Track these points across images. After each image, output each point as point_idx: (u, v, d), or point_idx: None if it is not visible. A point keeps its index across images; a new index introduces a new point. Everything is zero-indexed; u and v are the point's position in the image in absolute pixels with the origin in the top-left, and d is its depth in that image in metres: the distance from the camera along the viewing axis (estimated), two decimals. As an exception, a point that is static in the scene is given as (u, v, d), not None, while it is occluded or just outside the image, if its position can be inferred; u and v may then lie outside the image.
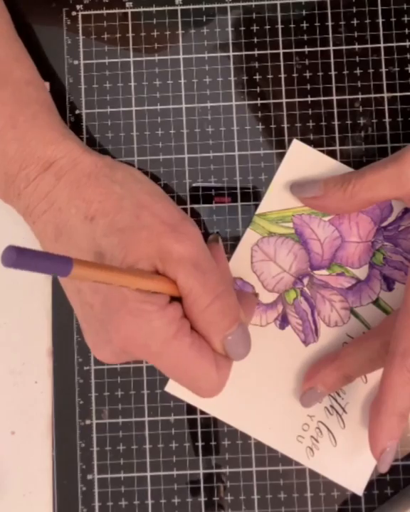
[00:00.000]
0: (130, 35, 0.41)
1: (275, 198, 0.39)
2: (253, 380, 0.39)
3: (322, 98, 0.40)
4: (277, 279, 0.39)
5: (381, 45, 0.40)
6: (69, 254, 0.32)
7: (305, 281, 0.39)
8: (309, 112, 0.40)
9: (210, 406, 0.39)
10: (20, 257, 0.23)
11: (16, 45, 0.37)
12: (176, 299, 0.32)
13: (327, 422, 0.38)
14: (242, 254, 0.39)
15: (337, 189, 0.37)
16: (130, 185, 0.33)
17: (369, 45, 0.40)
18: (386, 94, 0.40)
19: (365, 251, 0.39)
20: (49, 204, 0.34)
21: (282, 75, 0.40)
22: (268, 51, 0.41)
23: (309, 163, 0.39)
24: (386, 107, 0.40)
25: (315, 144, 0.40)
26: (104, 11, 0.41)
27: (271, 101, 0.40)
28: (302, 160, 0.39)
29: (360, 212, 0.39)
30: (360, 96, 0.40)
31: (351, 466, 0.38)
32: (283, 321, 0.39)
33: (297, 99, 0.40)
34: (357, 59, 0.40)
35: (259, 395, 0.39)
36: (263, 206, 0.39)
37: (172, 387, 0.39)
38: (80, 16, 0.41)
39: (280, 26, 0.41)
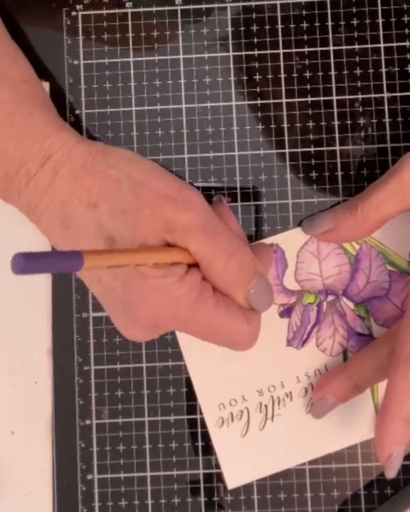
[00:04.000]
0: (130, 35, 0.41)
1: None
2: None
3: (322, 98, 0.40)
4: (309, 277, 0.39)
5: (381, 45, 0.40)
6: (79, 244, 0.34)
7: (330, 298, 0.39)
8: (309, 112, 0.40)
9: (188, 347, 0.39)
10: (29, 263, 0.23)
11: (10, 46, 0.37)
12: (194, 266, 0.33)
13: (252, 415, 0.38)
14: (301, 234, 0.39)
15: (348, 217, 0.37)
16: (125, 167, 0.34)
17: (369, 45, 0.40)
18: (386, 94, 0.40)
19: (396, 318, 0.39)
20: (50, 199, 0.34)
21: (282, 75, 0.40)
22: (268, 51, 0.41)
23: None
24: (386, 107, 0.40)
25: (315, 143, 0.40)
26: (104, 11, 0.41)
27: (271, 101, 0.40)
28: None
29: None
30: (360, 96, 0.40)
31: (243, 461, 0.38)
32: (286, 312, 0.39)
33: (297, 99, 0.40)
34: (357, 59, 0.40)
35: (224, 353, 0.38)
36: None
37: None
38: (80, 16, 0.41)
39: (280, 26, 0.41)
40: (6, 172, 0.35)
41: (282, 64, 0.40)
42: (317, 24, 0.41)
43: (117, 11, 0.41)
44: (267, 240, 0.39)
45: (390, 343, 0.35)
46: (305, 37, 0.41)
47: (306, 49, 0.40)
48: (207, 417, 0.39)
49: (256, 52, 0.41)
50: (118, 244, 0.33)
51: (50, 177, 0.34)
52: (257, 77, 0.40)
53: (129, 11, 0.41)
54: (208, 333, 0.34)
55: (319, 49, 0.40)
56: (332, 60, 0.40)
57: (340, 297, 0.39)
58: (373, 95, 0.40)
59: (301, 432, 0.38)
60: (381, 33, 0.40)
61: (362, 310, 0.39)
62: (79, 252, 0.25)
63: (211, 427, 0.38)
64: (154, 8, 0.41)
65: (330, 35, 0.41)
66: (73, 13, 0.41)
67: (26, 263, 0.23)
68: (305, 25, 0.41)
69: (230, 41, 0.41)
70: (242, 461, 0.38)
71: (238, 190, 0.40)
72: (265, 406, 0.38)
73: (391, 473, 0.34)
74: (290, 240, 0.39)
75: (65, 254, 0.25)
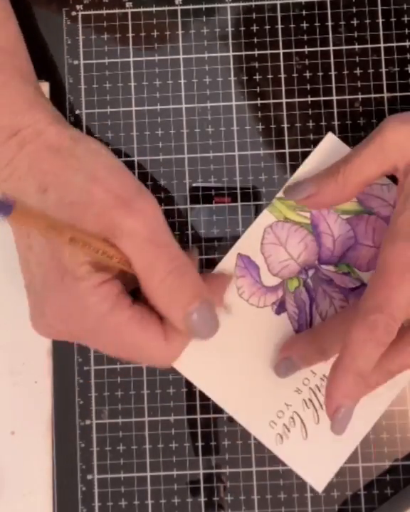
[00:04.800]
0: (130, 35, 0.41)
1: None
2: (239, 358, 0.39)
3: (322, 98, 0.40)
4: (283, 265, 0.39)
5: (381, 45, 0.40)
6: None
7: (310, 273, 0.39)
8: (309, 112, 0.40)
9: (193, 374, 0.39)
10: None
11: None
12: (128, 274, 0.32)
13: (303, 414, 0.38)
14: (254, 233, 0.39)
15: (329, 182, 0.37)
16: (89, 159, 0.33)
17: (369, 45, 0.40)
18: (386, 94, 0.40)
19: (376, 256, 0.39)
20: (10, 172, 0.33)
21: (282, 75, 0.40)
22: (268, 51, 0.41)
23: (339, 158, 0.39)
24: (386, 107, 0.40)
25: (315, 144, 0.40)
26: (104, 11, 0.41)
27: (271, 101, 0.40)
28: (333, 154, 0.39)
29: (378, 218, 0.39)
30: (360, 96, 0.40)
31: (317, 461, 0.38)
32: (280, 307, 0.39)
33: (297, 99, 0.40)
34: (357, 59, 0.40)
35: (242, 374, 0.39)
36: None
37: (178, 364, 0.39)
38: (80, 16, 0.41)
39: (280, 26, 0.41)
40: None
41: (282, 64, 0.40)
42: (317, 24, 0.41)
43: (117, 11, 0.41)
44: (228, 255, 0.39)
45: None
46: (305, 37, 0.41)
47: (306, 49, 0.40)
48: (265, 440, 0.38)
49: (256, 52, 0.41)
50: None
51: (14, 150, 0.33)
52: (257, 77, 0.40)
53: (129, 11, 0.41)
54: (115, 348, 0.33)
55: (319, 49, 0.40)
56: (332, 60, 0.40)
57: (319, 267, 0.39)
58: (373, 95, 0.40)
59: None
60: (381, 33, 0.40)
61: (344, 267, 0.39)
62: (13, 200, 0.25)
63: (273, 447, 0.38)
64: (154, 8, 0.41)
65: (330, 35, 0.41)
66: (73, 13, 0.41)
67: None
68: (304, 25, 0.41)
69: (230, 41, 0.41)
70: (317, 461, 0.38)
71: (238, 190, 0.40)
72: (310, 400, 0.38)
73: (338, 430, 0.33)
74: (248, 243, 0.39)
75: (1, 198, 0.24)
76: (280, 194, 0.39)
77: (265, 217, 0.39)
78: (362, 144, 0.36)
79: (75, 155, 0.33)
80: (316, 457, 0.38)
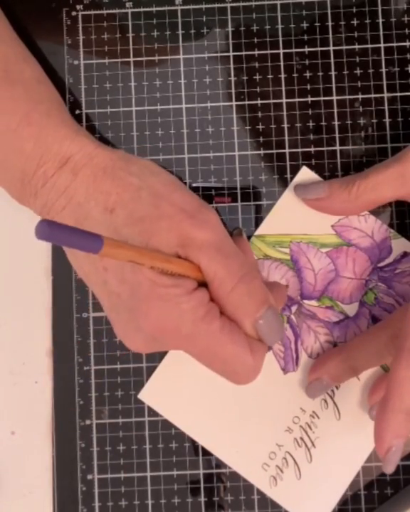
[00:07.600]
0: (130, 35, 0.41)
1: (276, 222, 0.39)
2: (226, 402, 0.38)
3: (322, 98, 0.40)
4: None
5: (381, 45, 0.40)
6: None
7: (293, 309, 0.39)
8: (309, 112, 0.40)
9: (181, 421, 0.38)
10: (53, 230, 0.24)
11: (20, 46, 0.37)
12: (203, 285, 0.33)
13: (295, 454, 0.38)
14: None
15: (342, 190, 0.37)
16: (146, 177, 0.34)
17: (369, 45, 0.40)
18: (386, 94, 0.40)
19: (358, 288, 0.39)
20: (67, 199, 0.34)
21: (282, 75, 0.40)
22: (268, 51, 0.41)
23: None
24: (386, 107, 0.40)
25: (315, 144, 0.40)
26: (104, 11, 0.41)
27: (271, 101, 0.40)
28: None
29: (358, 250, 0.39)
30: (360, 96, 0.40)
31: (312, 501, 0.38)
32: None
33: (297, 99, 0.40)
34: (357, 59, 0.40)
35: (231, 417, 0.38)
36: (263, 228, 0.39)
37: (145, 395, 0.39)
38: (80, 16, 0.41)
39: (280, 26, 0.41)
40: (24, 171, 0.34)
41: (282, 64, 0.40)
42: (317, 24, 0.41)
43: (117, 11, 0.41)
44: None
45: (389, 329, 0.35)
46: (305, 37, 0.41)
47: (306, 49, 0.40)
48: (259, 484, 0.38)
49: (256, 52, 0.41)
50: None
51: (68, 178, 0.34)
52: (257, 77, 0.40)
53: (129, 11, 0.41)
54: (208, 356, 0.33)
55: (319, 49, 0.40)
56: (332, 60, 0.40)
57: (301, 302, 0.39)
58: (373, 95, 0.40)
59: (345, 436, 0.38)
60: (381, 33, 0.40)
61: (326, 300, 0.39)
62: (100, 236, 0.26)
63: (267, 490, 0.38)
64: (154, 8, 0.41)
65: (330, 35, 0.41)
66: (73, 13, 0.41)
67: (50, 229, 0.24)
68: (304, 25, 0.41)
69: (230, 41, 0.41)
70: (312, 500, 0.38)
71: (238, 190, 0.40)
72: (301, 438, 0.38)
73: (389, 468, 0.33)
74: None
75: (87, 233, 0.25)
76: (258, 231, 0.39)
77: None
78: (384, 164, 0.37)
79: (133, 174, 0.34)
80: (311, 496, 0.38)
